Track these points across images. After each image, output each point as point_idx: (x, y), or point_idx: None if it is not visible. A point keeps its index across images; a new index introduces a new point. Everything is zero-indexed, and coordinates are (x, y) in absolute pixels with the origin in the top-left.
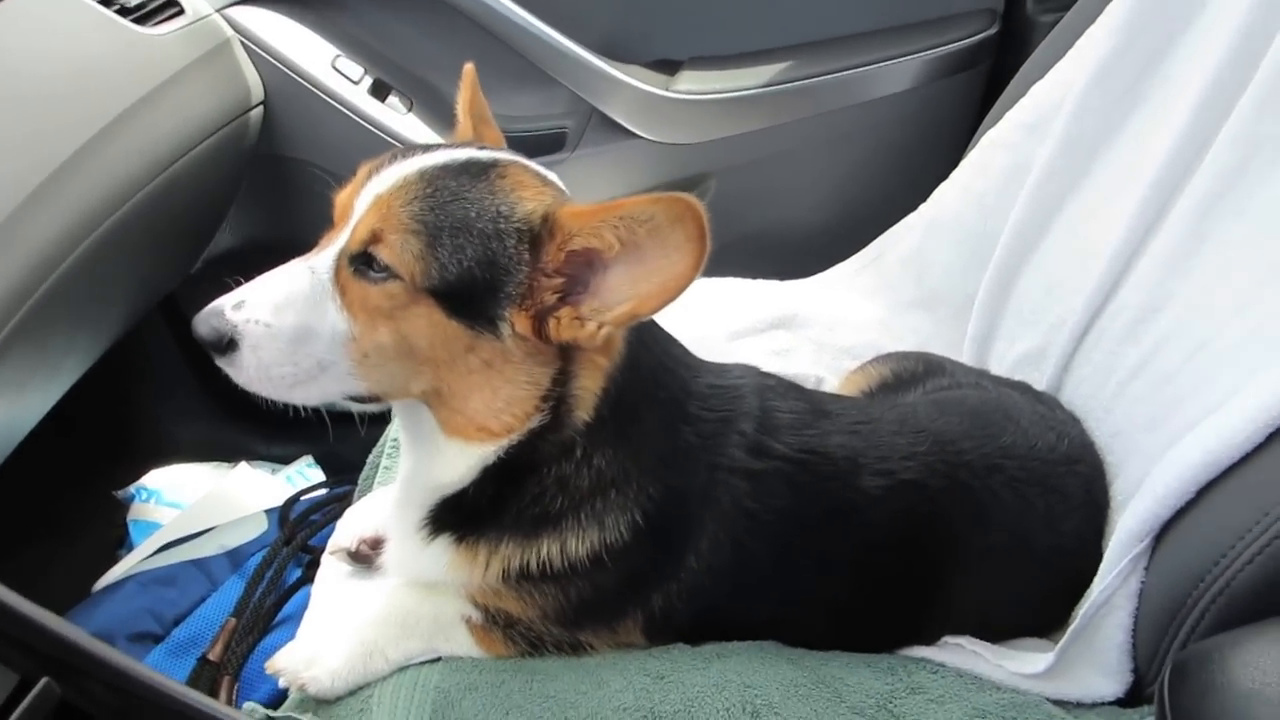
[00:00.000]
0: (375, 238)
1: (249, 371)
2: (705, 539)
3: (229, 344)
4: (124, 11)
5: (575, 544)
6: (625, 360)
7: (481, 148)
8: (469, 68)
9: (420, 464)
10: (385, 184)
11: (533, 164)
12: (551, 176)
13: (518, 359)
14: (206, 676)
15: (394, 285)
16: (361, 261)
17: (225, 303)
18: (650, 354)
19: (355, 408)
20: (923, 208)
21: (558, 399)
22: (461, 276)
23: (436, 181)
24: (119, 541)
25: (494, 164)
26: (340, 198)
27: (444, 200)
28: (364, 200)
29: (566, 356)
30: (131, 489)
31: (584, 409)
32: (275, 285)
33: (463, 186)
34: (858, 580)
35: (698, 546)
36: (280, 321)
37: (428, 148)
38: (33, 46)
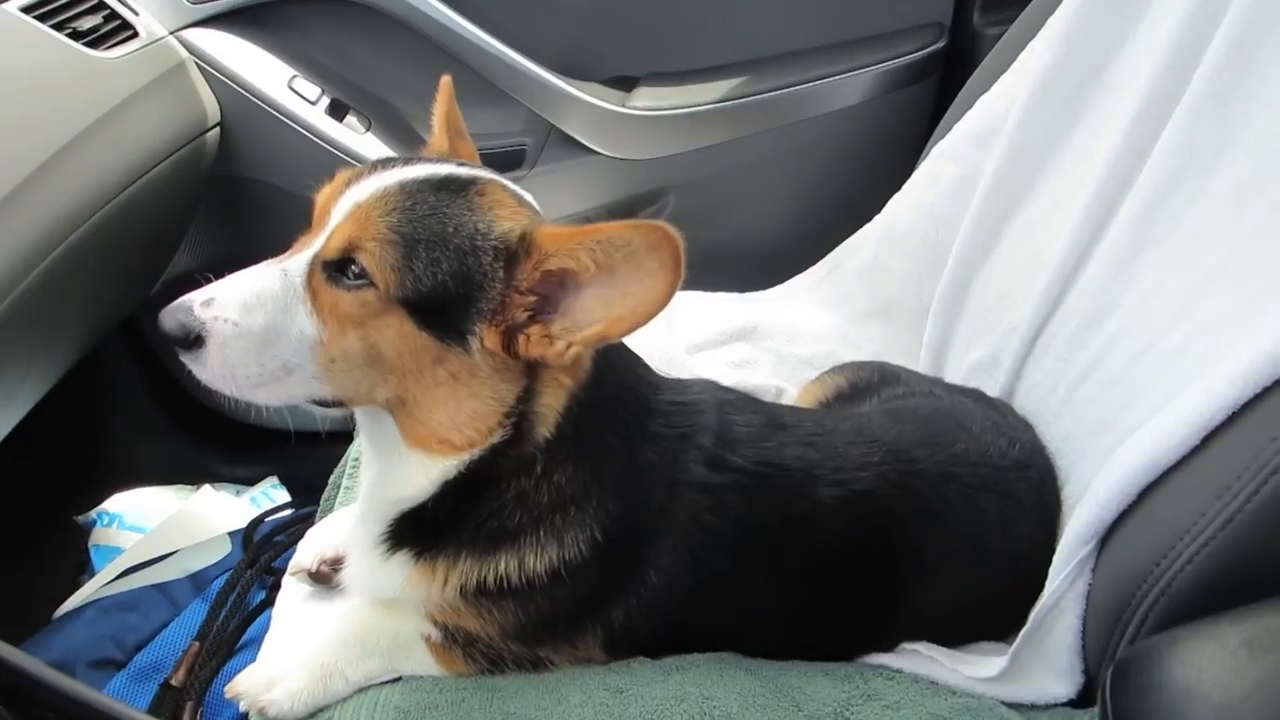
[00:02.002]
0: (353, 245)
1: (213, 369)
2: (665, 554)
3: (195, 340)
4: (77, 36)
5: (534, 560)
6: (589, 379)
7: (460, 164)
8: (445, 80)
9: (382, 476)
10: (365, 193)
11: (510, 184)
12: (527, 197)
13: (484, 374)
14: (169, 702)
15: (367, 293)
16: (335, 268)
17: (194, 299)
18: (613, 372)
19: (319, 411)
20: (877, 219)
21: (520, 415)
22: (435, 289)
23: (416, 195)
24: (80, 567)
25: (473, 181)
26: (320, 199)
27: (422, 214)
28: (342, 208)
29: (532, 374)
30: (93, 513)
31: (546, 426)
32: (246, 284)
33: (441, 202)
34: (815, 590)
35: (657, 561)
36: (249, 321)
37: (408, 160)
38: None
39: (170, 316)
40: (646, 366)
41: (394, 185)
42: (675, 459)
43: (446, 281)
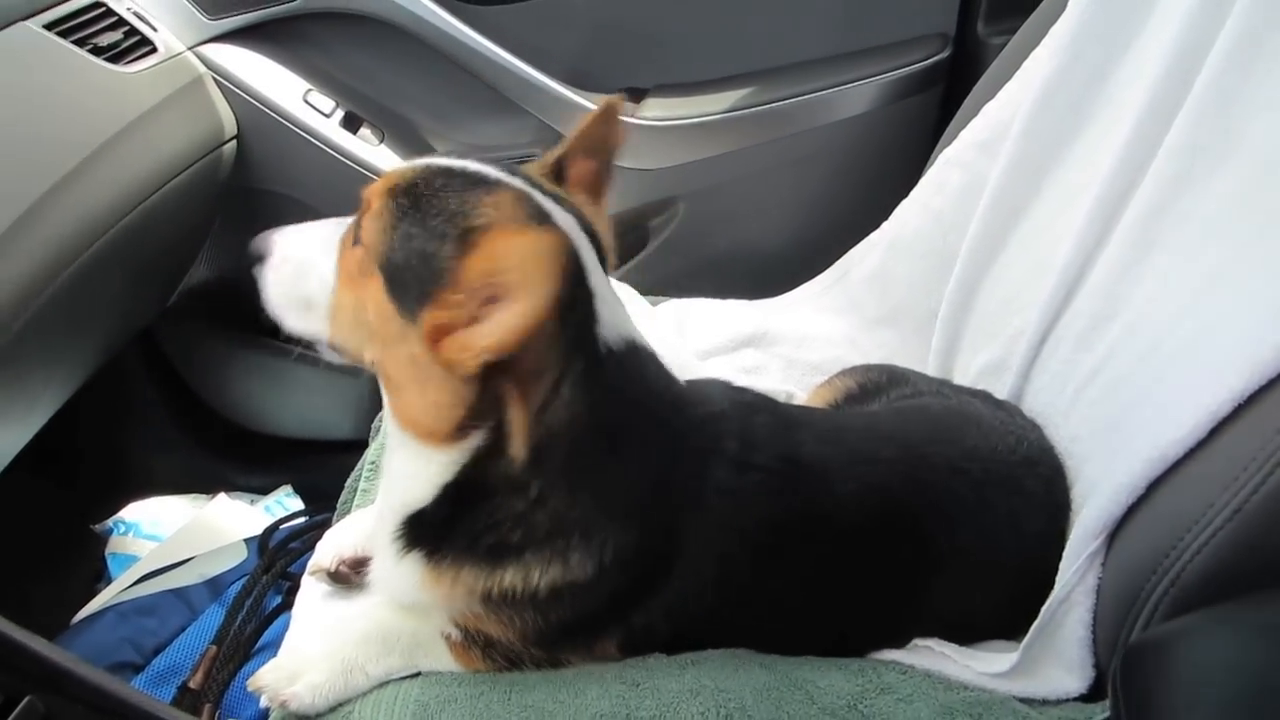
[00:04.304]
0: (365, 206)
1: (264, 286)
2: (690, 565)
3: (259, 259)
4: (97, 51)
5: (539, 577)
6: (586, 404)
7: (524, 180)
8: (611, 101)
9: (392, 474)
10: (406, 168)
11: (549, 206)
12: (561, 221)
13: (434, 365)
14: (187, 705)
15: (361, 252)
16: (359, 228)
17: (279, 229)
18: (624, 395)
19: (332, 358)
20: (884, 226)
21: (498, 424)
22: (404, 262)
23: (434, 179)
24: (97, 575)
25: (497, 183)
26: None
27: (425, 194)
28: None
29: (491, 382)
30: (109, 522)
31: (517, 443)
32: (313, 228)
33: (447, 188)
34: (832, 586)
35: (683, 572)
36: (292, 254)
37: (482, 159)
38: (5, 86)
39: (255, 241)
40: (663, 379)
41: (427, 169)
42: (702, 475)
43: (412, 257)
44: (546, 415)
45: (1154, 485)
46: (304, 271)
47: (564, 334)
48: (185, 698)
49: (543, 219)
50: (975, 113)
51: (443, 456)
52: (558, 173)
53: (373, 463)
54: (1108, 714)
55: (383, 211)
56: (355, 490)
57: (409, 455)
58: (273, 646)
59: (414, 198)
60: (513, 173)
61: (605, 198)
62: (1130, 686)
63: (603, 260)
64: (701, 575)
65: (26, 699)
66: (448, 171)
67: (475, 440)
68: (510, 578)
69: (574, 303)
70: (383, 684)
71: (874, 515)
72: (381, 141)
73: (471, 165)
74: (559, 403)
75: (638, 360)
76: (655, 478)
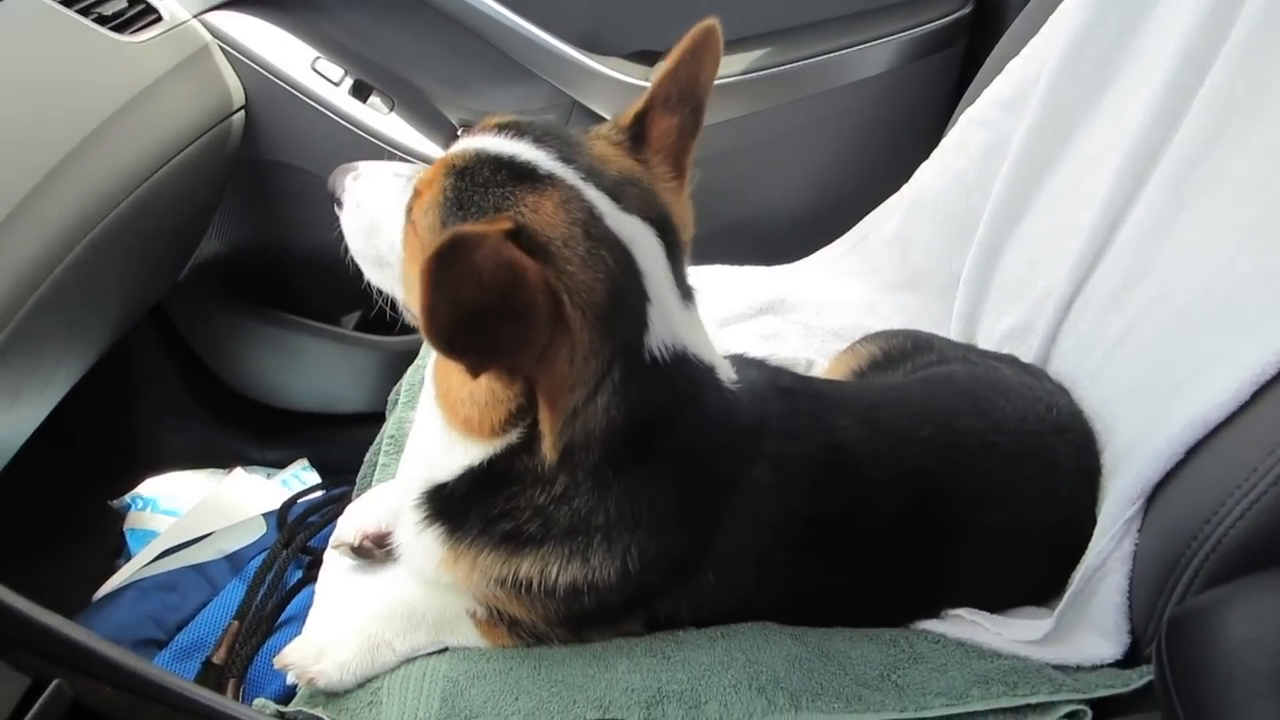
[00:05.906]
0: (418, 191)
1: (343, 229)
2: (722, 560)
3: (338, 202)
4: (101, 20)
5: (557, 573)
6: (616, 413)
7: (586, 180)
8: (708, 25)
9: (422, 445)
10: (461, 148)
11: (604, 206)
12: (617, 225)
13: None
14: (211, 680)
15: (413, 238)
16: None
17: (355, 167)
18: (661, 410)
19: (409, 319)
20: (905, 188)
21: (533, 423)
22: None
23: (483, 169)
24: (116, 551)
25: (546, 180)
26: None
27: (470, 186)
28: (451, 149)
29: (528, 383)
30: (127, 498)
31: (549, 443)
32: (384, 179)
33: (492, 182)
34: (868, 569)
35: (717, 567)
36: (365, 207)
37: (539, 135)
38: (10, 57)
39: (334, 174)
40: (711, 389)
41: (484, 154)
42: (741, 485)
43: None
44: (581, 420)
45: (1193, 449)
46: (376, 230)
47: (607, 343)
48: (210, 673)
49: (593, 223)
50: (998, 70)
51: (475, 447)
52: (637, 135)
53: (391, 436)
54: (1145, 680)
55: (431, 203)
56: (375, 465)
57: (441, 435)
58: (297, 620)
59: (459, 190)
60: (574, 156)
61: (689, 167)
62: (1175, 655)
63: (680, 254)
64: (734, 571)
65: (55, 682)
66: (497, 161)
67: (510, 437)
68: (528, 568)
69: (623, 312)
70: (410, 660)
71: (910, 498)
72: (391, 110)
73: (525, 153)
74: (593, 409)
75: (685, 370)
76: (689, 489)
